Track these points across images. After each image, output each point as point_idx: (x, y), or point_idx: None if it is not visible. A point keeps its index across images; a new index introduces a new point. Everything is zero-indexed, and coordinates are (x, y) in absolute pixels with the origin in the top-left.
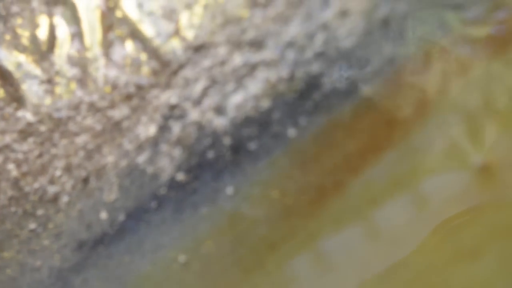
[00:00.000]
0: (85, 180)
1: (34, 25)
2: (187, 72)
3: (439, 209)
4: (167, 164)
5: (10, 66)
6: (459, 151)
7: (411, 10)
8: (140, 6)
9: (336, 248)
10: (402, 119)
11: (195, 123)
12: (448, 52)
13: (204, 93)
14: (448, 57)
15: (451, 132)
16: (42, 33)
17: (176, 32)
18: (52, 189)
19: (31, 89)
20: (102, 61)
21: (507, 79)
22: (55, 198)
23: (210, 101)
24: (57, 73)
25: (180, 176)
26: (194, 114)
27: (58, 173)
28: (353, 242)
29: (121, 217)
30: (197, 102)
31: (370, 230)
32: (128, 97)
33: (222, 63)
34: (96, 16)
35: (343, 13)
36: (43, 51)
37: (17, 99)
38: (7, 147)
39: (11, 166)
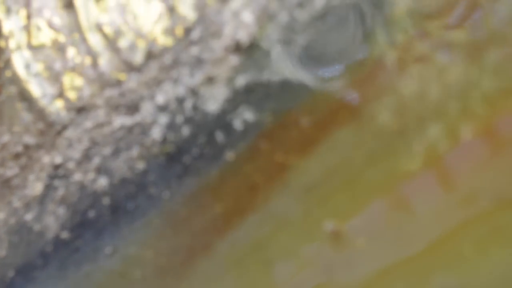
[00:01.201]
0: None
1: None
2: (70, 133)
3: (289, 274)
4: (52, 222)
5: None
6: (312, 218)
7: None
8: (27, 67)
9: None
10: (263, 184)
11: (78, 183)
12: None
13: (86, 154)
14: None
15: (304, 199)
16: None
17: (60, 94)
18: None
19: None
20: None
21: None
22: None
23: (91, 162)
24: None
25: (64, 234)
26: (77, 174)
27: None
28: None
29: (10, 273)
30: (80, 162)
31: None
32: (17, 156)
33: (102, 125)
34: None
35: (210, 80)
36: None
37: None
38: None
39: None
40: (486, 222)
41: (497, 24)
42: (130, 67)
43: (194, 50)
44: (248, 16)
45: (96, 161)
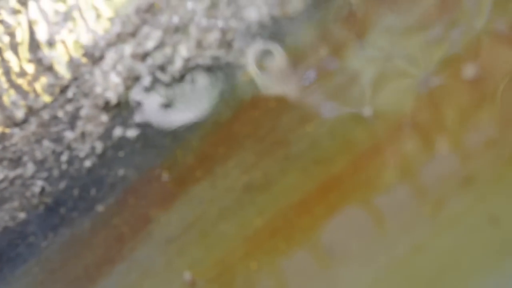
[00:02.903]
0: None
1: None
2: None
3: None
4: None
5: None
6: (172, 268)
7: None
8: None
9: None
10: (130, 235)
11: None
12: None
13: None
14: None
15: (165, 250)
16: None
17: None
18: None
19: None
20: None
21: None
22: None
23: None
24: None
25: None
26: None
27: None
28: None
29: None
30: None
31: None
32: None
33: None
34: None
35: (83, 135)
36: None
37: None
38: None
39: None
40: None
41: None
42: (13, 123)
43: (70, 107)
44: (116, 77)
45: None
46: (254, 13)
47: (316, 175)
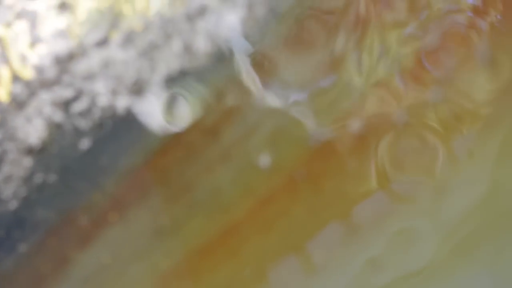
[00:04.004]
0: None
1: None
2: None
3: None
4: None
5: None
6: None
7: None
8: None
9: None
10: (50, 275)
11: None
12: None
13: None
14: None
15: None
16: None
17: None
18: None
19: None
20: None
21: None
22: None
23: None
24: None
25: None
26: None
27: None
28: None
29: None
30: None
31: None
32: None
33: None
34: None
35: (8, 179)
36: None
37: None
38: None
39: None
40: None
41: None
42: None
43: None
44: (39, 123)
45: None
46: (164, 64)
47: (218, 221)
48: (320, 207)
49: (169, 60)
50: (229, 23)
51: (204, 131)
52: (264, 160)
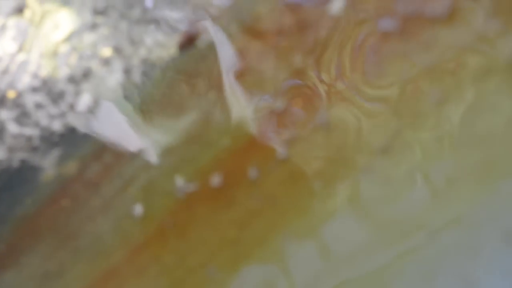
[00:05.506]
0: None
1: None
2: None
3: None
4: None
5: None
6: None
7: None
8: None
9: None
10: None
11: None
12: None
13: None
14: None
15: None
16: None
17: None
18: None
19: None
20: None
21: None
22: None
23: None
24: None
25: None
26: None
27: None
28: None
29: None
30: None
31: None
32: None
33: None
34: None
35: None
36: None
37: None
38: None
39: None
40: None
41: None
42: None
43: None
44: None
45: None
46: (57, 124)
47: (99, 265)
48: (186, 253)
49: (59, 119)
50: (109, 86)
51: (86, 184)
52: (138, 210)
